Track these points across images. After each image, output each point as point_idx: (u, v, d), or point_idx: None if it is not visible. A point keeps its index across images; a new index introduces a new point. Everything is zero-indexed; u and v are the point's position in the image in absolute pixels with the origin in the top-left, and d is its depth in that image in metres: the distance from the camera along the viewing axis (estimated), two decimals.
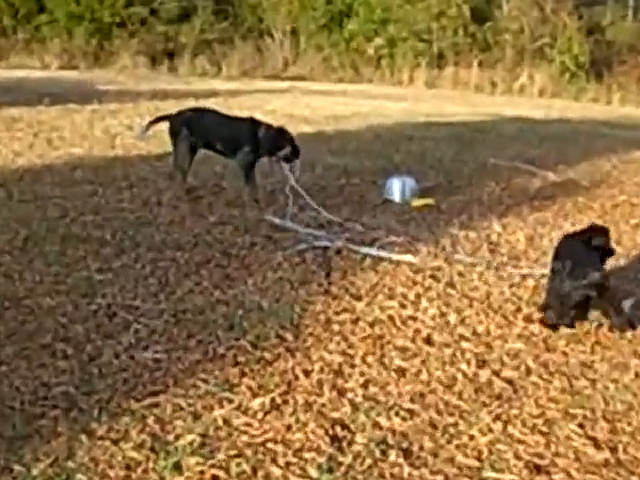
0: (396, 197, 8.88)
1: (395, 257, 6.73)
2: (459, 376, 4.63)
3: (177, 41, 29.16)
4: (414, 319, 5.46)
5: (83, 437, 3.66)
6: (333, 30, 32.07)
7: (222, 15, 30.95)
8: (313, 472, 3.53)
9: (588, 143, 15.57)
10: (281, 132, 8.34)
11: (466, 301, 5.90)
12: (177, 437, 3.73)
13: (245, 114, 9.07)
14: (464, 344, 5.10)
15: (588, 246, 5.68)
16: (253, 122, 8.39)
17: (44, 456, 3.50)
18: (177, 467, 3.50)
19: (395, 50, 31.40)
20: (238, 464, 3.55)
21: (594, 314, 5.51)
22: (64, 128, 12.59)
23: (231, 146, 8.25)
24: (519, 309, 5.82)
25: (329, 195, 8.95)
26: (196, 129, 8.20)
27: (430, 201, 8.88)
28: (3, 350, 4.54)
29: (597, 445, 3.96)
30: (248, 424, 3.90)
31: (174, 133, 8.26)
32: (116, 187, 8.64)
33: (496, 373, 4.71)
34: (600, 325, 5.50)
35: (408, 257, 6.74)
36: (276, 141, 8.24)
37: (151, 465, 3.50)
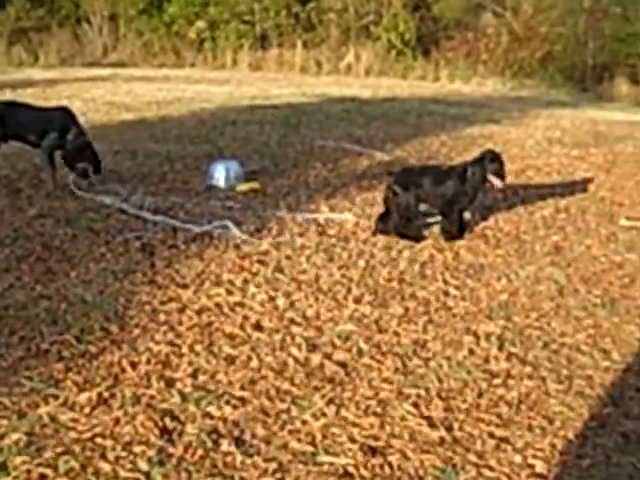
0: (220, 182, 8.85)
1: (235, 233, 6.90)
2: (290, 361, 4.67)
3: None
4: (242, 305, 5.47)
5: None
6: (153, 14, 31.55)
7: (38, 2, 29.98)
8: (144, 465, 3.52)
9: (416, 121, 15.89)
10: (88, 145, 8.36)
11: (295, 285, 5.94)
12: (2, 436, 3.65)
13: (64, 103, 8.92)
14: (294, 328, 5.14)
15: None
16: (63, 111, 8.45)
17: None
18: (3, 467, 3.42)
19: (217, 33, 31.06)
20: (66, 461, 3.50)
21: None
22: None
23: (40, 135, 8.15)
24: (349, 290, 5.90)
25: (152, 183, 8.83)
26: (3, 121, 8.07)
27: (256, 185, 8.88)
28: None
29: (432, 424, 4.06)
30: (75, 420, 3.84)
31: None
32: None
33: (327, 356, 4.77)
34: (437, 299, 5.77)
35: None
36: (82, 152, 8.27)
37: None
